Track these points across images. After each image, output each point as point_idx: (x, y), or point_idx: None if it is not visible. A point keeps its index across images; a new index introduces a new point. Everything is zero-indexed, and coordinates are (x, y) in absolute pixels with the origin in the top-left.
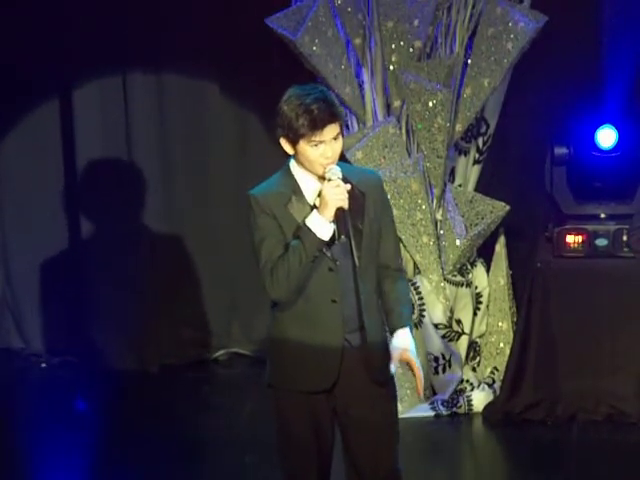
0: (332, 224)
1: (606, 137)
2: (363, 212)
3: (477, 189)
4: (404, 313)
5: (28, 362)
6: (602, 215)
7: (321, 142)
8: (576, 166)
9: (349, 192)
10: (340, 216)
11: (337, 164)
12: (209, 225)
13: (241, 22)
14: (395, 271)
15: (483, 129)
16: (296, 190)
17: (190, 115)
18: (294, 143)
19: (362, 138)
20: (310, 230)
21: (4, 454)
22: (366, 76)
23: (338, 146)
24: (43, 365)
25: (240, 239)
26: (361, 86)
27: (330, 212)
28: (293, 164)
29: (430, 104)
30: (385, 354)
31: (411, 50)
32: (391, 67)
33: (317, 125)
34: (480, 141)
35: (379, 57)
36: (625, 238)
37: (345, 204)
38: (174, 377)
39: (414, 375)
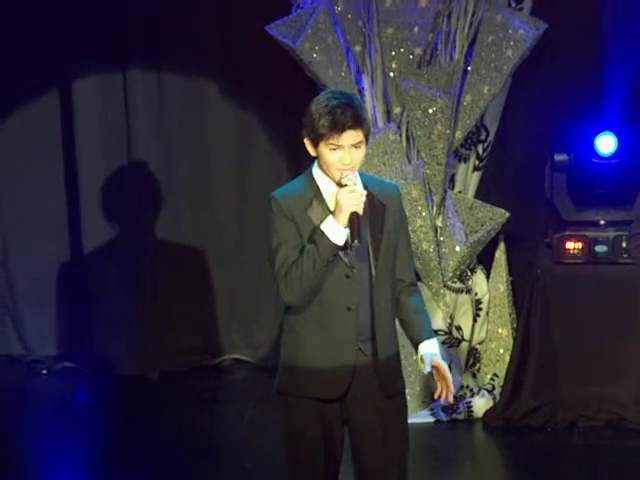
0: (347, 229)
1: (606, 144)
2: (382, 223)
3: (477, 196)
4: (427, 326)
5: (29, 368)
6: (602, 222)
7: (339, 147)
8: (576, 173)
9: (369, 201)
10: (354, 221)
11: (360, 174)
12: (209, 230)
13: (242, 22)
14: (410, 285)
15: (483, 136)
16: (317, 194)
17: (190, 113)
18: (315, 144)
19: None
20: (324, 234)
21: (5, 459)
22: (366, 83)
23: (358, 154)
24: (44, 372)
25: (241, 244)
26: (361, 93)
27: (344, 217)
28: (316, 168)
29: (430, 111)
30: (396, 367)
31: (411, 57)
32: (391, 74)
33: (336, 127)
34: (480, 148)
35: (379, 64)
36: (625, 245)
37: (360, 209)
38: (175, 383)
39: (443, 381)
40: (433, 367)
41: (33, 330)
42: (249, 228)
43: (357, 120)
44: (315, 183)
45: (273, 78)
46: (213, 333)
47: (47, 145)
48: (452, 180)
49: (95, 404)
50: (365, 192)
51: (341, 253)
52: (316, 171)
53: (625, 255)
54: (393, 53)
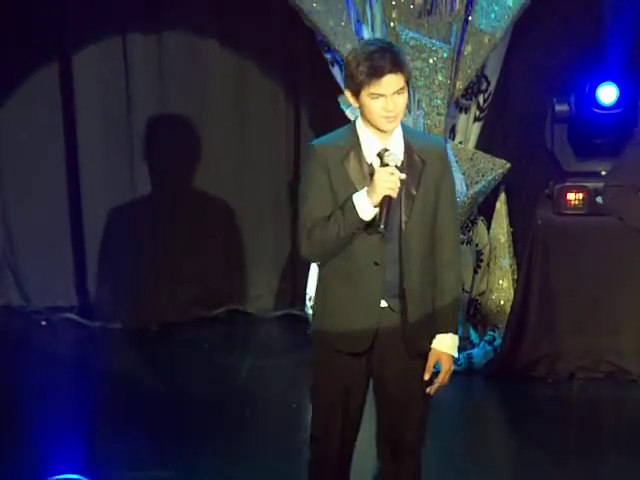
0: (376, 209)
1: (607, 94)
2: (420, 179)
3: (478, 146)
4: (448, 316)
5: (28, 319)
6: (603, 172)
7: (381, 95)
8: (577, 123)
9: (408, 156)
10: (384, 204)
11: (405, 128)
12: (207, 181)
13: None
14: (450, 250)
15: (484, 86)
16: (356, 146)
17: (190, 70)
18: (357, 95)
19: None
20: (354, 207)
21: (4, 411)
22: (366, 33)
23: (401, 100)
24: (43, 323)
25: (239, 195)
26: None
27: (377, 198)
28: (359, 121)
29: (430, 61)
30: (427, 327)
31: (411, 6)
32: (391, 24)
33: (376, 72)
34: (481, 98)
35: (379, 13)
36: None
37: (394, 194)
38: (174, 335)
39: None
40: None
41: (32, 281)
42: (248, 180)
43: (397, 64)
44: (356, 135)
45: (273, 30)
46: (212, 284)
47: (46, 98)
48: (453, 130)
49: (94, 356)
50: (404, 176)
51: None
52: (359, 123)
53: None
54: (393, 2)
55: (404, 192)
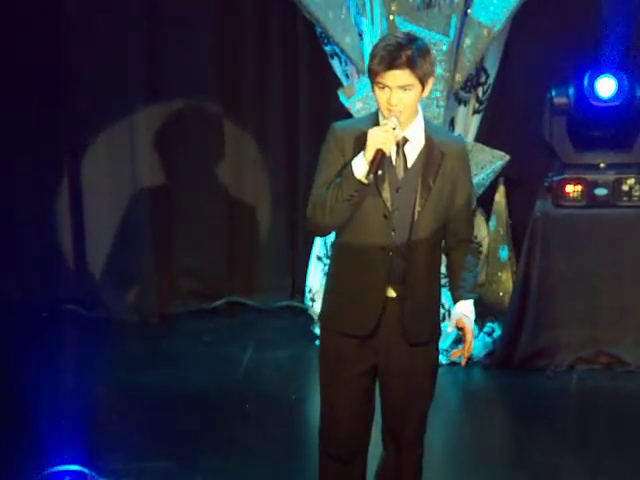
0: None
1: (606, 86)
2: (437, 171)
3: (477, 139)
4: (467, 285)
5: (29, 312)
6: (601, 165)
7: (386, 86)
8: (576, 115)
9: (427, 148)
10: (376, 157)
11: (427, 122)
12: (208, 175)
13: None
14: (464, 242)
15: (483, 79)
16: None
17: (185, 53)
18: (372, 82)
19: (361, 88)
20: (351, 168)
21: (5, 403)
22: (366, 26)
23: (407, 97)
24: (44, 315)
25: (239, 188)
26: (361, 35)
27: (370, 152)
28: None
29: None
30: (427, 316)
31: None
32: (391, 16)
33: (382, 64)
34: (480, 91)
35: (379, 6)
36: (625, 188)
37: (387, 149)
38: (174, 327)
39: (464, 343)
40: (459, 328)
41: (33, 273)
42: (248, 173)
43: (407, 62)
44: (377, 121)
45: (272, 21)
46: (212, 277)
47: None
48: (452, 123)
49: (94, 348)
50: (400, 136)
51: (384, 194)
52: (381, 112)
53: (625, 198)
54: None
55: (421, 182)
